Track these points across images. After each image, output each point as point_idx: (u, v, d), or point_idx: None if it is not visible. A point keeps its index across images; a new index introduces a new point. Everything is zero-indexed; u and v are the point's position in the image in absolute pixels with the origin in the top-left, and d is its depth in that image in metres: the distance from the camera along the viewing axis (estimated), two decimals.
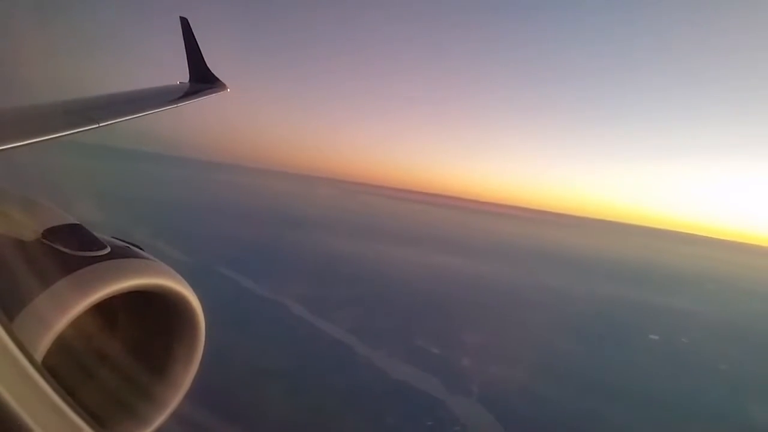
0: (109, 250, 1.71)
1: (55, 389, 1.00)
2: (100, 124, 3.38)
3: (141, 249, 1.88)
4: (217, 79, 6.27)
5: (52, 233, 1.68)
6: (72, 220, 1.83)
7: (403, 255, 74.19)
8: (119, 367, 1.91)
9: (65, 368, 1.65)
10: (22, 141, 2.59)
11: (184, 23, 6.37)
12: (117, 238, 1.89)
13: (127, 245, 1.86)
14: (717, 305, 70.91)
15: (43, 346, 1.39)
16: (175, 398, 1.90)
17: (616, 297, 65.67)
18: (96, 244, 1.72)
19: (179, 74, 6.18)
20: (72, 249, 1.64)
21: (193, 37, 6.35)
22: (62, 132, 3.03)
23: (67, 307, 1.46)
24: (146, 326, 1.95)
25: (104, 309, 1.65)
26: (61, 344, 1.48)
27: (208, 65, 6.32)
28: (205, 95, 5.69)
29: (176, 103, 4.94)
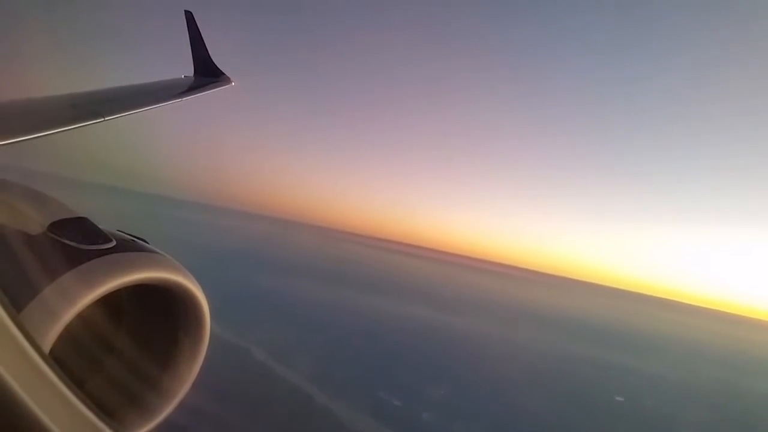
0: (114, 243, 1.70)
1: (62, 380, 1.00)
2: (106, 118, 3.41)
3: (147, 242, 1.88)
4: (222, 73, 6.25)
5: (58, 226, 1.68)
6: (78, 213, 1.83)
7: (377, 305, 73.31)
8: (125, 358, 1.92)
9: (72, 360, 1.65)
10: (29, 135, 2.61)
11: (189, 17, 6.38)
12: (123, 232, 1.88)
13: (133, 239, 1.87)
14: (684, 370, 72.18)
15: (50, 338, 1.39)
16: (180, 390, 1.92)
17: (588, 358, 66.11)
18: (102, 237, 1.72)
19: (184, 68, 6.19)
20: (78, 242, 1.64)
21: (198, 31, 6.37)
22: (68, 126, 3.05)
23: (73, 301, 1.46)
24: (152, 319, 1.95)
25: (110, 302, 1.65)
26: (67, 336, 1.48)
27: (212, 59, 6.28)
28: (210, 89, 5.69)
29: (181, 97, 4.92)
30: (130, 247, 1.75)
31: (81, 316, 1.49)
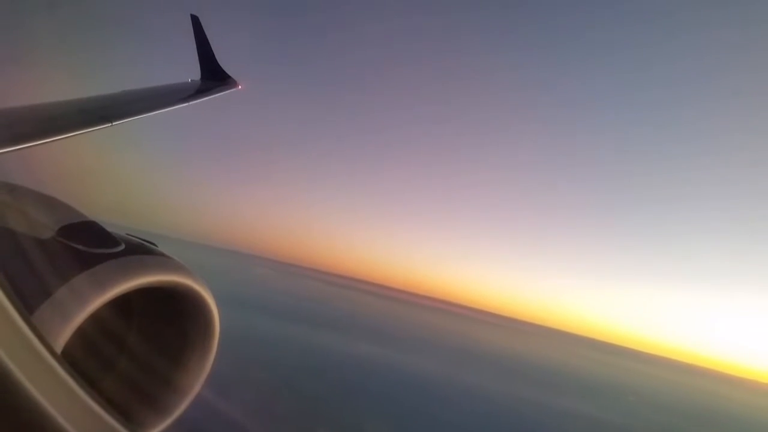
0: (123, 247, 1.74)
1: (75, 379, 1.02)
2: (114, 123, 3.45)
3: (155, 246, 1.92)
4: (229, 76, 6.28)
5: (68, 230, 1.72)
6: (87, 217, 1.87)
7: (334, 343, 71.46)
8: (137, 359, 1.97)
9: (84, 360, 1.70)
10: (38, 140, 2.66)
11: (195, 21, 6.42)
12: (132, 236, 1.91)
13: (142, 242, 1.90)
14: (627, 415, 71.22)
15: (61, 339, 1.42)
16: (191, 390, 1.97)
17: (535, 402, 64.31)
18: (111, 241, 1.75)
19: (190, 72, 6.23)
20: (87, 246, 1.67)
21: (204, 34, 6.41)
22: (77, 131, 3.10)
23: (84, 303, 1.49)
24: (162, 321, 2.00)
25: (119, 305, 1.68)
26: (79, 338, 1.51)
27: (219, 63, 6.32)
28: (217, 93, 5.73)
29: (188, 101, 4.97)
30: (139, 250, 1.78)
31: (91, 319, 1.52)
